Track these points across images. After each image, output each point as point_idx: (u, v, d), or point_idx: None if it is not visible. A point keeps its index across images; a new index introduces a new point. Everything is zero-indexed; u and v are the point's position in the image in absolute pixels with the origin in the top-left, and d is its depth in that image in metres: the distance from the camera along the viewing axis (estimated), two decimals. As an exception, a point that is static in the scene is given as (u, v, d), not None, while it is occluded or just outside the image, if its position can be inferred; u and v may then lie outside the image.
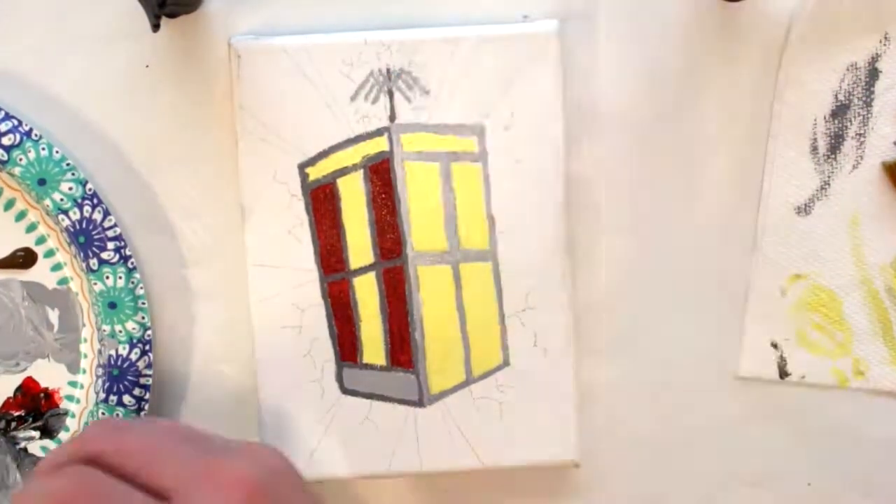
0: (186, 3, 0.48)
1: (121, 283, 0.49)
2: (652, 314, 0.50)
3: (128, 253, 0.49)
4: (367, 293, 0.49)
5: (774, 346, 0.50)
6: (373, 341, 0.49)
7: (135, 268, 0.49)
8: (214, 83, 0.49)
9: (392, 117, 0.48)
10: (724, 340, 0.51)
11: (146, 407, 0.50)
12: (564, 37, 0.48)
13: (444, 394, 0.49)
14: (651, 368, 0.51)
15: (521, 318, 0.48)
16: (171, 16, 0.48)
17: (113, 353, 0.49)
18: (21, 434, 0.51)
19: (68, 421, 0.51)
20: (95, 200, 0.49)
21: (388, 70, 0.48)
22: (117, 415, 0.49)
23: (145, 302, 0.49)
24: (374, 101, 0.48)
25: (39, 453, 0.51)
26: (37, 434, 0.51)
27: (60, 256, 0.50)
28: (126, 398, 0.49)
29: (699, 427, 0.51)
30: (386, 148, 0.48)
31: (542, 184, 0.48)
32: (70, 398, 0.51)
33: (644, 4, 0.49)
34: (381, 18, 0.49)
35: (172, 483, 0.34)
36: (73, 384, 0.51)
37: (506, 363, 0.49)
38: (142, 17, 0.45)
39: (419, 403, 0.49)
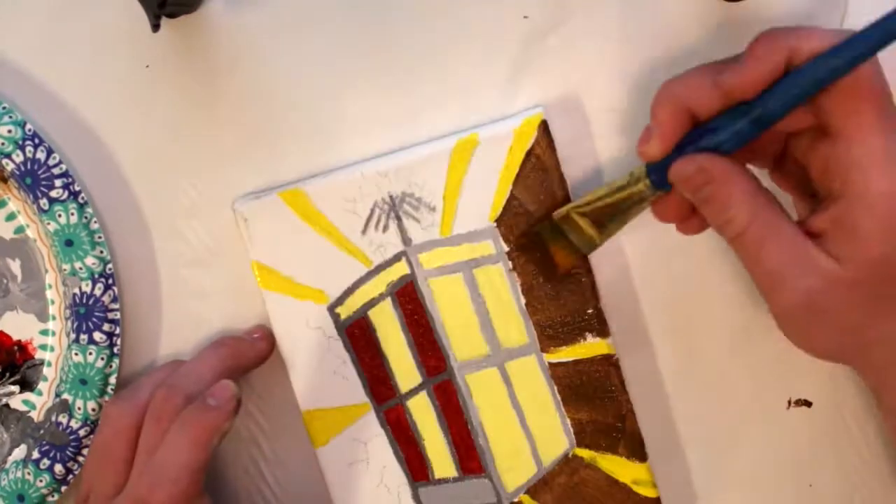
0: (186, 3, 0.47)
1: (73, 219, 0.48)
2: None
3: (76, 188, 0.48)
4: (423, 412, 0.50)
5: None
6: (440, 456, 0.50)
7: (86, 202, 0.49)
8: (214, 83, 0.49)
9: (406, 241, 0.49)
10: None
11: (118, 342, 0.49)
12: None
13: (519, 489, 0.50)
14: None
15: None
16: (171, 16, 0.48)
17: (77, 291, 0.49)
18: (1, 390, 0.51)
19: (45, 370, 0.50)
20: (37, 140, 0.48)
21: (390, 197, 0.48)
22: (90, 354, 0.49)
23: (101, 236, 0.49)
24: (385, 229, 0.49)
25: (22, 408, 0.51)
26: (16, 388, 0.51)
27: (13, 205, 0.50)
28: (97, 335, 0.49)
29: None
30: (407, 271, 0.49)
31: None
32: (44, 347, 0.51)
33: (644, 4, 0.49)
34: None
35: None
36: (44, 332, 0.51)
37: (573, 445, 0.49)
38: (142, 18, 0.45)
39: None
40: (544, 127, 0.48)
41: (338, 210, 0.48)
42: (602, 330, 0.49)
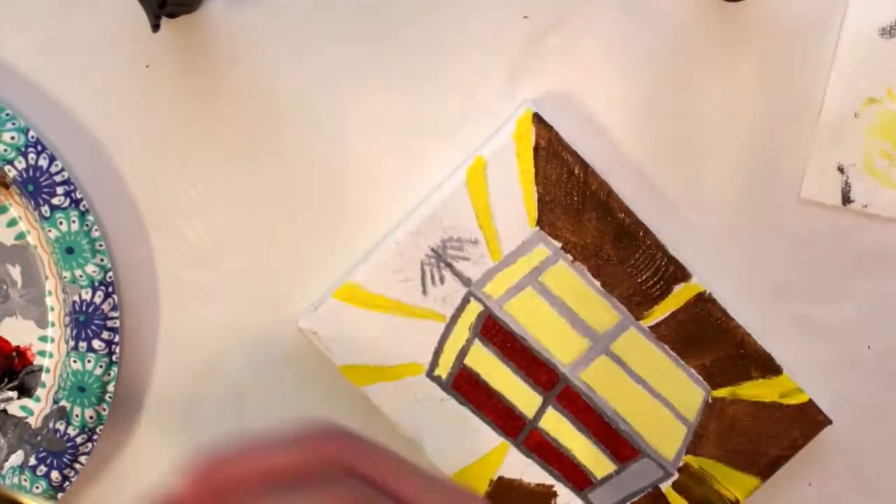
0: (186, 3, 0.47)
1: (75, 226, 0.48)
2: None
3: (78, 196, 0.48)
4: (557, 426, 0.50)
5: (841, 170, 0.49)
6: (592, 457, 0.50)
7: (87, 210, 0.48)
8: (214, 83, 0.50)
9: (465, 282, 0.49)
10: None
11: (117, 351, 0.49)
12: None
13: (679, 453, 0.50)
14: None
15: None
16: (171, 16, 0.48)
17: (76, 298, 0.48)
18: None
19: (43, 376, 0.50)
20: (39, 147, 0.47)
21: (432, 250, 0.49)
22: (89, 361, 0.49)
23: (102, 244, 0.49)
24: (442, 280, 0.49)
25: (20, 413, 0.50)
26: (14, 394, 0.50)
27: (14, 211, 0.50)
28: (96, 343, 0.49)
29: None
30: (480, 308, 0.49)
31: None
32: (42, 353, 0.50)
33: (644, 4, 0.49)
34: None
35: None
36: (43, 339, 0.50)
37: (707, 390, 0.49)
38: (142, 18, 0.45)
39: (668, 474, 0.50)
40: (538, 119, 0.48)
41: (391, 284, 0.49)
42: (682, 273, 0.49)
